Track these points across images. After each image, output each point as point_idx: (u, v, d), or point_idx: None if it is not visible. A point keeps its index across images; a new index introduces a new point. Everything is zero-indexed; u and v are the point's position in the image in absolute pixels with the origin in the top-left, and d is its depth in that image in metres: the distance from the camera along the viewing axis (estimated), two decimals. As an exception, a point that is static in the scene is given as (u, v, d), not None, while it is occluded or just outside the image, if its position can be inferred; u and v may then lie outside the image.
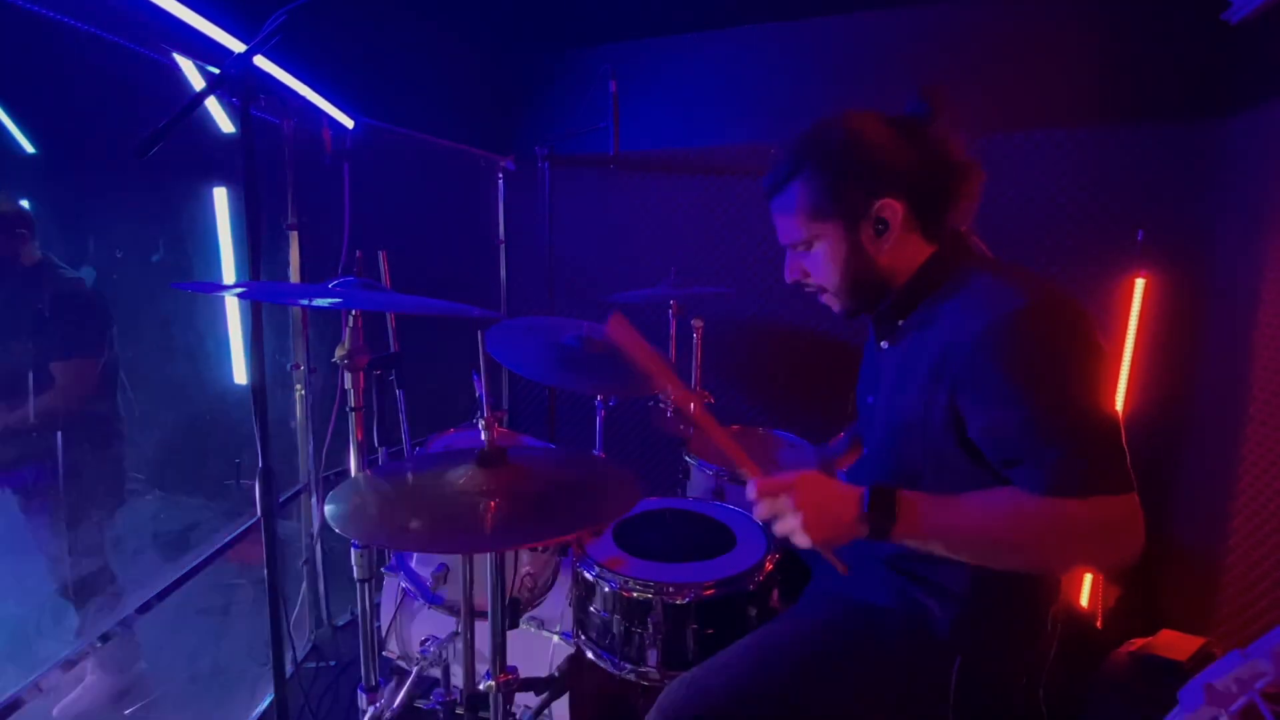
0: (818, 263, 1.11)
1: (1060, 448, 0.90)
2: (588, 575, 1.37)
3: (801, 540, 0.95)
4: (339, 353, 1.39)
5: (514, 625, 1.28)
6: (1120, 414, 0.94)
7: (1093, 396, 0.93)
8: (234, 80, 1.17)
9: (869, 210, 1.05)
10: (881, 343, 1.16)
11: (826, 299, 1.16)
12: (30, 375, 2.02)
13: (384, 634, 1.77)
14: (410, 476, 1.17)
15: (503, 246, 2.71)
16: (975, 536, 0.94)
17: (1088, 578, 2.19)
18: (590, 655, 1.41)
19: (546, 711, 1.54)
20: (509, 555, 1.31)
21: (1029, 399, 0.92)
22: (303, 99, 1.97)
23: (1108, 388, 0.97)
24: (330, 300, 1.24)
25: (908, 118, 1.07)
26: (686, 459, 2.04)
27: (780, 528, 0.97)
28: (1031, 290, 0.96)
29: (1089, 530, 0.90)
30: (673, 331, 2.31)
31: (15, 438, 2.06)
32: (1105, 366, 0.97)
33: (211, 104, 2.93)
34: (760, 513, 0.99)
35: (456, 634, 1.62)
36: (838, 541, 0.96)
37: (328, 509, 0.99)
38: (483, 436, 1.11)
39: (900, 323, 1.12)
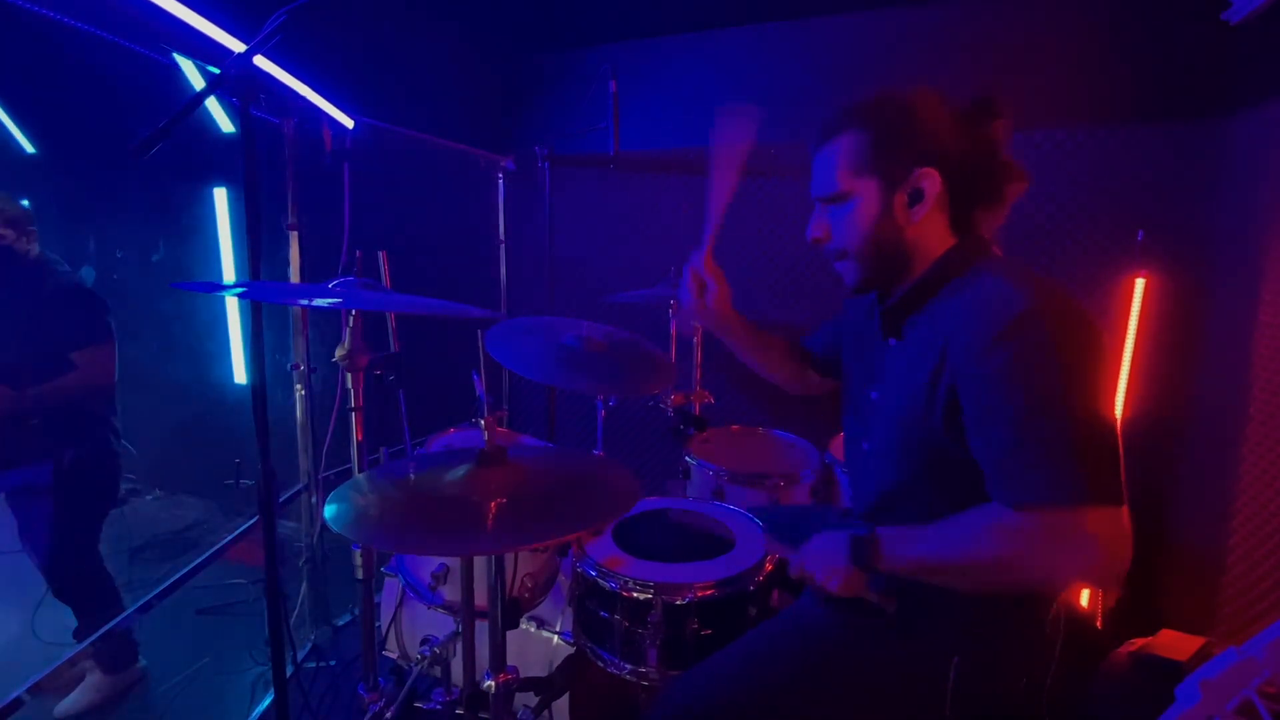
0: (844, 221, 1.11)
1: (1052, 456, 0.90)
2: (588, 575, 1.38)
3: (833, 593, 1.06)
4: (339, 353, 1.39)
5: (514, 625, 1.28)
6: (1118, 424, 0.93)
7: (1090, 406, 0.92)
8: (234, 80, 1.17)
9: (908, 177, 1.05)
10: (889, 339, 1.16)
11: (843, 266, 1.16)
12: (46, 362, 2.07)
13: (384, 634, 1.77)
14: (411, 477, 1.17)
15: (503, 246, 2.71)
16: (956, 561, 0.97)
17: (1088, 578, 2.19)
18: (590, 655, 1.41)
19: (546, 711, 1.54)
20: (509, 555, 1.31)
21: (1025, 405, 0.91)
22: (303, 99, 1.97)
23: (1107, 397, 0.96)
24: (330, 300, 1.24)
25: (969, 107, 1.09)
26: (686, 459, 2.04)
27: (816, 588, 1.10)
28: (1037, 293, 0.95)
29: (1068, 544, 0.90)
30: (673, 331, 2.31)
31: (13, 437, 2.07)
32: (1106, 375, 0.96)
33: (211, 104, 2.94)
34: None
35: (456, 634, 1.62)
36: (854, 586, 1.05)
37: (328, 510, 0.99)
38: (485, 436, 1.11)
39: (909, 318, 1.12)
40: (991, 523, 0.94)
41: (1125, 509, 0.89)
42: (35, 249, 2.13)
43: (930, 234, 1.09)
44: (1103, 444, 0.91)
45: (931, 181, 1.05)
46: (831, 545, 1.07)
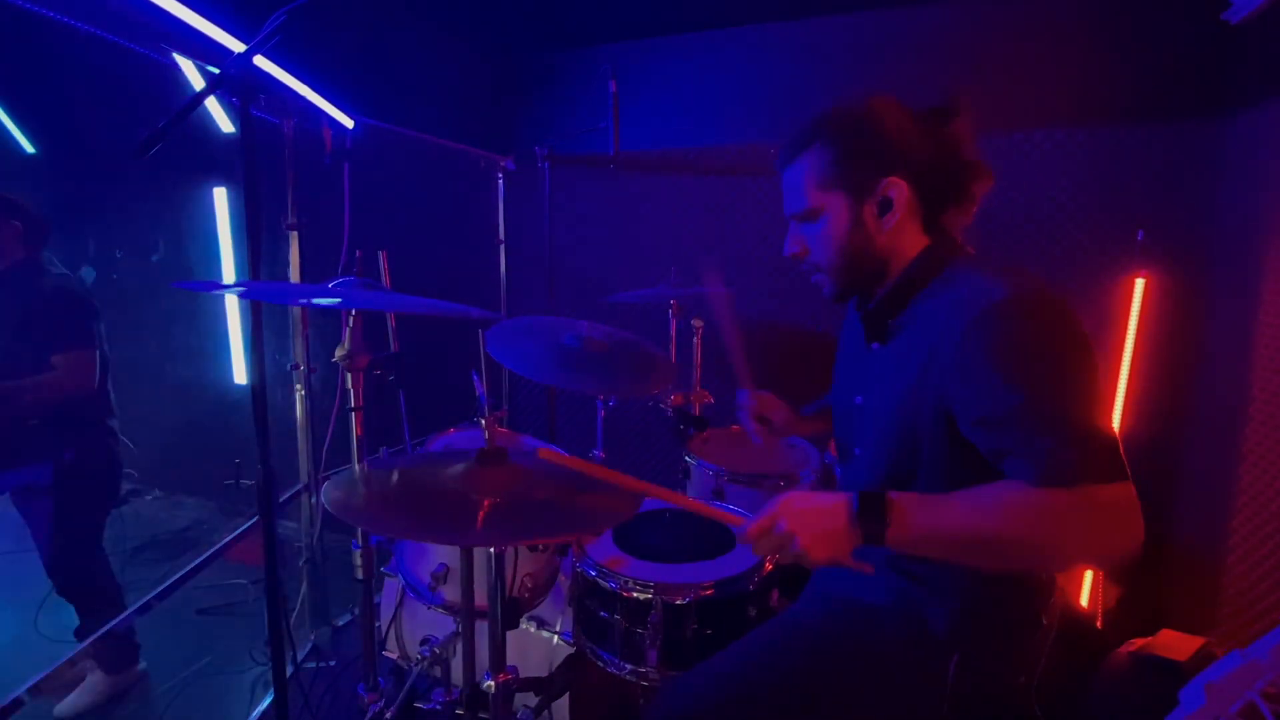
0: (818, 236, 1.13)
1: (1051, 436, 0.90)
2: (588, 575, 1.38)
3: (808, 562, 0.95)
4: (339, 353, 1.39)
5: (514, 625, 1.28)
6: (1109, 405, 0.93)
7: (1081, 386, 0.93)
8: (234, 80, 1.17)
9: (875, 187, 1.07)
10: (872, 344, 1.17)
11: (819, 278, 1.18)
12: (25, 361, 2.06)
13: (384, 634, 1.77)
14: (410, 471, 1.17)
15: (503, 246, 2.71)
16: (968, 534, 0.92)
17: (1088, 577, 2.19)
18: (590, 655, 1.41)
19: (546, 711, 1.54)
20: (508, 555, 1.31)
21: (1018, 389, 0.91)
22: (303, 99, 1.96)
23: (1095, 378, 0.96)
24: (330, 300, 1.24)
25: (928, 111, 1.10)
26: (686, 459, 2.04)
27: (784, 558, 0.97)
28: (1016, 283, 0.97)
29: (1083, 520, 0.88)
30: (673, 331, 2.31)
31: (12, 437, 2.07)
32: (1091, 358, 0.96)
33: (211, 104, 2.94)
34: (760, 551, 0.99)
35: (456, 634, 1.62)
36: (841, 555, 0.95)
37: (326, 494, 1.00)
38: (485, 436, 1.11)
39: (890, 322, 1.13)
40: (1008, 497, 0.91)
41: (1130, 484, 0.88)
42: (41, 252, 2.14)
43: (903, 239, 1.10)
44: (1100, 422, 0.91)
45: (899, 190, 1.06)
46: (826, 503, 0.96)
